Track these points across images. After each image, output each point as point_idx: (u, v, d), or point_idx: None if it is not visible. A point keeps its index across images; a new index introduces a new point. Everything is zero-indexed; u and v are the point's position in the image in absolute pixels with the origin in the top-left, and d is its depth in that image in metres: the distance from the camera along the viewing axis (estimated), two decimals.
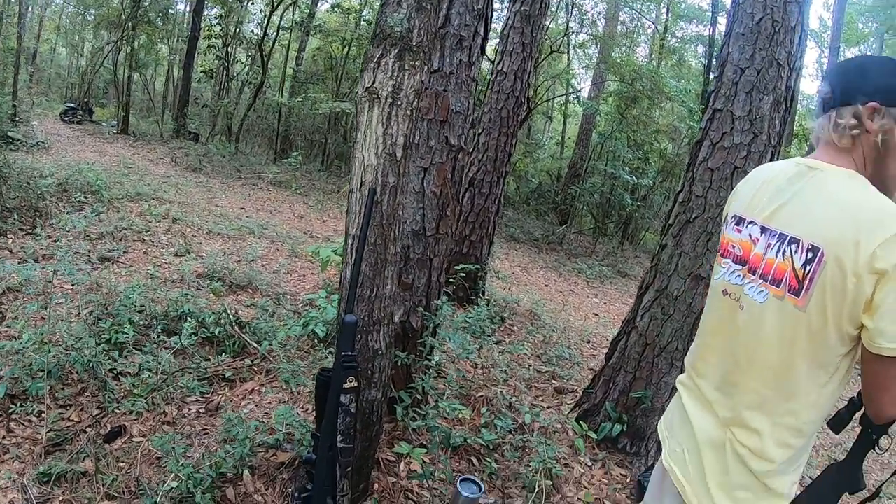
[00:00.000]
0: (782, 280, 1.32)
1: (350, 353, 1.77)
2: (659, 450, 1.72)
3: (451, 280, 5.22)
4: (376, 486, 2.59)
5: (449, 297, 5.18)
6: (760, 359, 1.37)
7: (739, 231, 1.47)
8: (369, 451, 2.34)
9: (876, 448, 1.49)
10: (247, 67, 17.69)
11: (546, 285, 8.37)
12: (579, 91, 17.76)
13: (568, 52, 17.08)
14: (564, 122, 21.26)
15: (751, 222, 1.44)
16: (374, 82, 1.83)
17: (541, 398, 3.95)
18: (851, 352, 1.28)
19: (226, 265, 4.91)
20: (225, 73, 17.27)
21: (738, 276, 1.44)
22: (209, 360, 3.24)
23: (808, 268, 1.26)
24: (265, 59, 15.84)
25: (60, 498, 2.20)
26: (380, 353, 2.05)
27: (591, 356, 5.16)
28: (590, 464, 3.28)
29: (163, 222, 6.19)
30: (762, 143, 3.16)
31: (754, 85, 3.13)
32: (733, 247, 1.48)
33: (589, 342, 5.77)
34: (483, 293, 5.77)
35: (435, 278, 2.89)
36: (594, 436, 3.18)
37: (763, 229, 1.40)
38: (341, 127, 17.22)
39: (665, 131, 14.65)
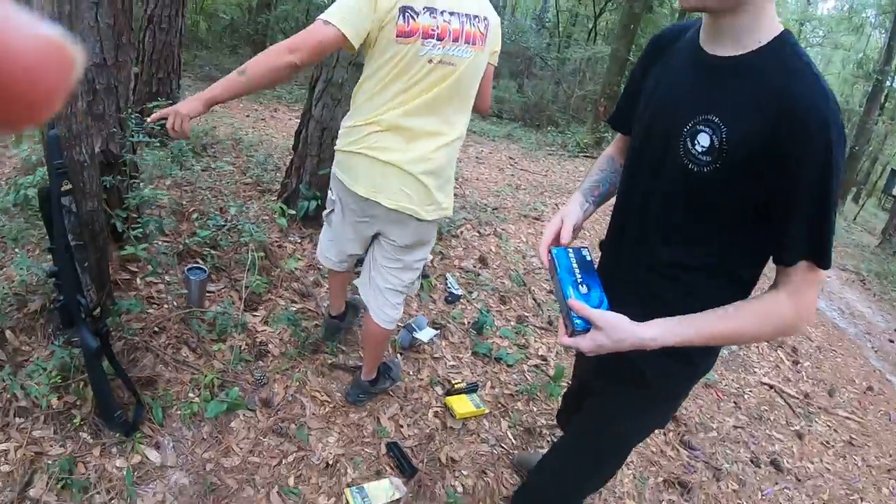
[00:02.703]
0: (476, 40, 2.14)
1: (60, 161, 2.08)
2: None
3: (146, 120, 5.29)
4: (122, 301, 2.89)
5: (150, 136, 5.28)
6: (469, 90, 2.25)
7: (434, 18, 2.07)
8: (102, 262, 2.67)
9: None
10: None
11: (247, 116, 8.53)
12: None
13: None
14: None
15: (441, 11, 2.07)
16: None
17: (249, 200, 4.40)
18: None
19: None
20: None
21: (440, 47, 2.09)
22: None
23: (483, 28, 2.18)
24: None
25: None
26: (86, 164, 2.36)
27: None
28: (299, 241, 3.89)
29: None
30: None
31: None
32: (432, 29, 2.08)
33: (290, 153, 6.17)
34: None
35: (123, 104, 3.13)
36: (294, 212, 3.74)
37: (452, 13, 2.09)
38: None
39: None
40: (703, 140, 1.30)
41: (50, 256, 2.89)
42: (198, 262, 3.31)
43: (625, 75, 14.10)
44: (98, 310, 2.40)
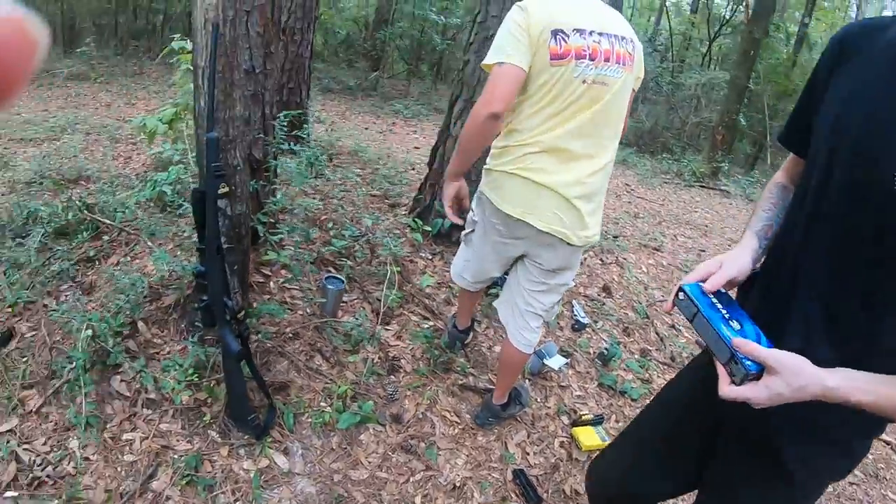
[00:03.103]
0: (626, 60, 2.10)
1: (218, 164, 2.10)
2: None
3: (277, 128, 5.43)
4: (255, 304, 2.93)
5: (295, 144, 5.42)
6: (620, 112, 2.19)
7: (584, 39, 2.05)
8: (244, 265, 2.71)
9: None
10: None
11: (366, 128, 8.69)
12: None
13: None
14: None
15: (590, 32, 2.06)
16: None
17: (379, 213, 4.40)
18: None
19: (49, 164, 4.71)
20: None
21: (593, 68, 2.06)
22: (67, 250, 3.23)
23: (631, 49, 2.15)
24: None
25: None
26: (239, 168, 2.39)
27: (417, 179, 5.63)
28: (430, 257, 3.86)
29: None
30: None
31: None
32: (584, 50, 2.05)
33: (413, 168, 6.22)
34: (308, 135, 6.01)
35: (268, 111, 3.19)
36: (429, 229, 3.72)
37: (601, 34, 2.06)
38: (130, 4, 15.68)
39: None
40: None
41: (186, 254, 2.99)
42: (331, 271, 3.32)
43: (744, 103, 13.52)
44: (242, 313, 2.42)
